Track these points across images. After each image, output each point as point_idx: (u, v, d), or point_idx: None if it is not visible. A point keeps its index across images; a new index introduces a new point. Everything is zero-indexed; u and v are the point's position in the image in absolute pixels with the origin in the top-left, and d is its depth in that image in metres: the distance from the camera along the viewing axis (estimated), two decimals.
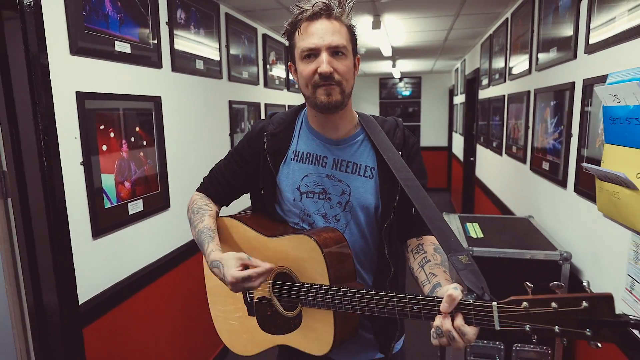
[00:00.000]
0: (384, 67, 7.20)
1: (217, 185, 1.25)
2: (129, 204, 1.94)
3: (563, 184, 2.02)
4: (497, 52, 3.76)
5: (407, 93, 9.20)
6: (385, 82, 9.02)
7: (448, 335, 0.83)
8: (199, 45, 2.56)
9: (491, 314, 0.80)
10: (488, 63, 4.16)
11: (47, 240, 1.54)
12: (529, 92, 2.65)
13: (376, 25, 3.43)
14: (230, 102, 3.00)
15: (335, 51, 1.03)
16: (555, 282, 0.80)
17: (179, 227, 2.33)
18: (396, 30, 4.02)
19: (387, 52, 4.98)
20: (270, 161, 1.14)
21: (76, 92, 1.63)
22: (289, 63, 1.14)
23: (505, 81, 3.40)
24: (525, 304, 0.77)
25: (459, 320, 0.82)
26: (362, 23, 3.49)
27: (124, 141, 1.91)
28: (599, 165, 1.56)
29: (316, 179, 1.13)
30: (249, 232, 1.16)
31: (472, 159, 5.34)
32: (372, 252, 1.14)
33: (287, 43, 1.12)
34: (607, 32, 1.59)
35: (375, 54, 5.44)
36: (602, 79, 1.54)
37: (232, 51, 3.02)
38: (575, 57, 1.90)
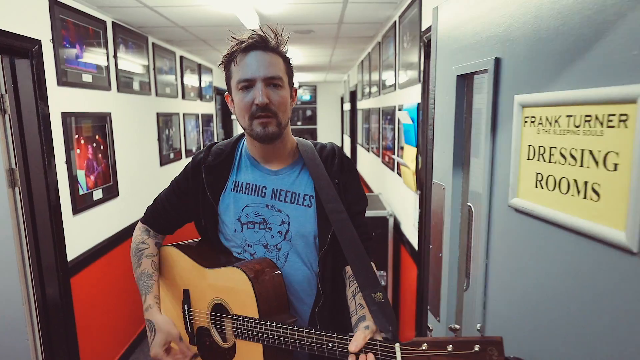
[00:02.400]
0: None
1: (159, 216, 1.24)
2: (93, 192, 2.65)
3: (393, 169, 3.17)
4: (365, 75, 4.97)
5: (307, 98, 10.36)
6: None
7: None
8: (135, 68, 3.28)
9: (394, 355, 0.84)
10: (361, 82, 5.38)
11: (47, 215, 2.23)
12: (379, 108, 3.82)
13: None
14: (158, 114, 3.73)
15: (271, 82, 1.03)
16: (454, 325, 0.85)
17: (125, 210, 3.05)
18: (292, 53, 5.03)
19: None
20: (209, 193, 1.13)
21: (61, 112, 2.33)
22: (226, 94, 1.14)
23: (369, 97, 4.60)
24: (424, 345, 0.80)
25: None
26: None
27: (89, 146, 2.61)
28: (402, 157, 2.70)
29: (256, 209, 1.12)
30: (188, 263, 1.18)
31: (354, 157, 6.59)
32: (316, 280, 1.13)
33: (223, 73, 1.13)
34: (404, 79, 2.74)
35: None
36: (403, 106, 2.69)
37: (158, 73, 3.76)
38: (395, 90, 3.06)
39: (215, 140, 1.24)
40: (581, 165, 0.74)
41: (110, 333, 2.80)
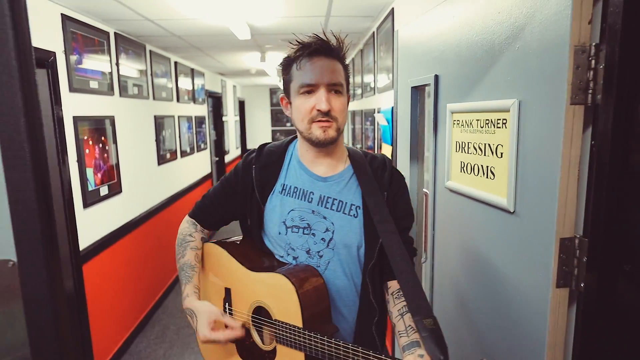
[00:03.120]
0: (271, 80, 8.52)
1: (206, 212, 1.27)
2: (100, 188, 2.91)
3: None
4: (350, 79, 5.26)
5: None
6: (274, 91, 10.37)
7: None
8: (134, 74, 3.54)
9: None
10: None
11: (62, 209, 2.49)
12: (362, 110, 4.12)
13: (262, 58, 4.70)
14: (155, 117, 3.99)
15: (333, 89, 1.05)
16: None
17: (128, 206, 3.31)
18: (276, 60, 5.34)
19: (271, 73, 6.31)
20: (258, 193, 1.15)
21: (73, 116, 2.59)
22: (282, 96, 1.15)
23: (354, 100, 4.90)
24: None
25: None
26: (254, 57, 4.71)
27: (96, 146, 2.87)
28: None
29: (301, 214, 1.12)
30: (232, 263, 1.19)
31: None
32: (355, 291, 1.12)
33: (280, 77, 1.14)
34: (381, 84, 3.04)
35: (264, 73, 6.73)
36: (381, 109, 2.99)
37: (155, 78, 4.02)
38: (374, 94, 3.36)
39: (267, 141, 1.26)
40: (484, 155, 1.04)
41: (117, 316, 3.06)
